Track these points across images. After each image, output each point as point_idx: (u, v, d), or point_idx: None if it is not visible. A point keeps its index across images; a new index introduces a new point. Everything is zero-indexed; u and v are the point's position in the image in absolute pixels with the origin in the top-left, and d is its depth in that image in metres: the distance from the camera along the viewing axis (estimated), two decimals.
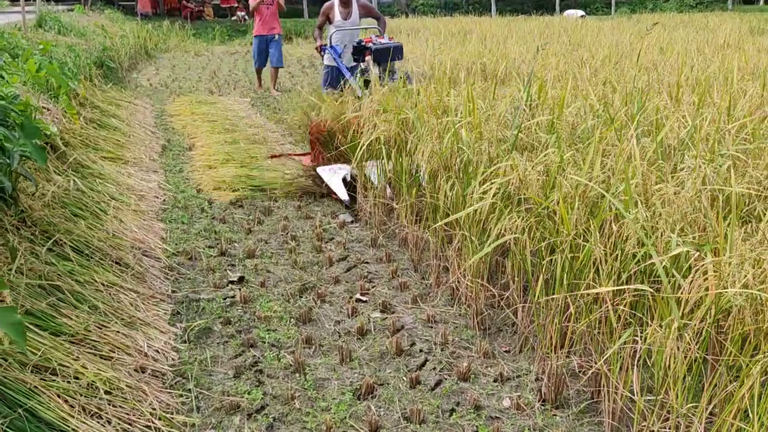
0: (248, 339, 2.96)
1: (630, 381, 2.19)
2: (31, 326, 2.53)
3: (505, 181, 2.94)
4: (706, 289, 2.00)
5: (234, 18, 23.54)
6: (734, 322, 2.06)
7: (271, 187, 5.11)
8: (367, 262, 3.85)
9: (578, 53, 7.62)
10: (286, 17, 13.90)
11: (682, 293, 2.04)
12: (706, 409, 2.03)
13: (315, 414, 2.47)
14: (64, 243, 3.27)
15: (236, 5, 24.61)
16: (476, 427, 2.40)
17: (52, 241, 3.21)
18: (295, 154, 5.67)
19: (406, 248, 3.93)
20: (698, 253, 2.12)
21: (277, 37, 9.59)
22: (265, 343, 2.97)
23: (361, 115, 4.38)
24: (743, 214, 2.67)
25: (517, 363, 2.80)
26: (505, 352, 2.90)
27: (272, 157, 5.65)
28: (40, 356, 2.39)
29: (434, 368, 2.77)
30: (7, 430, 2.05)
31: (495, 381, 2.68)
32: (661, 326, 2.07)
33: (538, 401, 2.53)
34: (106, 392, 2.39)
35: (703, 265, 2.02)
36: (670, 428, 2.07)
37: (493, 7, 24.41)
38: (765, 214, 2.36)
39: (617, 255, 2.41)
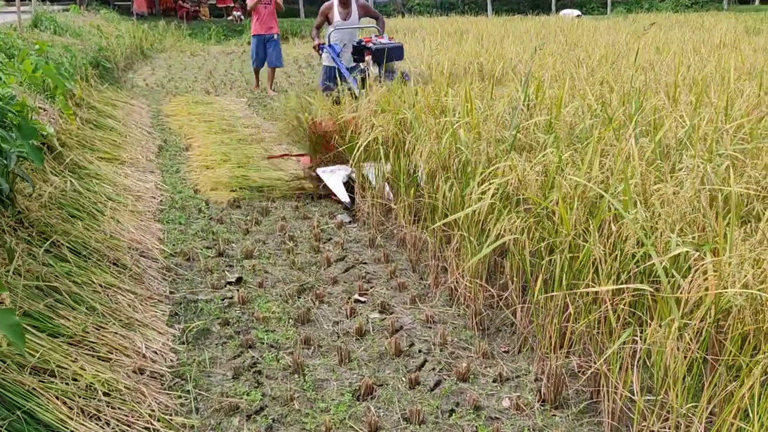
0: (247, 340, 2.95)
1: (630, 381, 2.19)
2: (29, 328, 2.53)
3: (504, 182, 2.93)
4: (706, 289, 2.00)
5: (230, 18, 23.50)
6: (734, 322, 2.06)
7: (269, 187, 5.10)
8: (365, 263, 3.85)
9: (575, 53, 7.61)
10: (282, 17, 13.87)
11: (681, 293, 2.05)
12: (706, 409, 2.03)
13: (314, 415, 2.47)
14: (62, 244, 3.26)
15: (232, 5, 24.57)
16: (476, 427, 2.40)
17: (49, 242, 3.20)
18: (292, 155, 5.66)
19: (404, 248, 3.93)
20: (698, 253, 2.12)
21: (275, 36, 9.59)
22: (263, 344, 2.96)
23: (359, 115, 4.37)
24: (742, 213, 2.67)
25: (517, 363, 2.80)
26: (505, 352, 2.90)
27: (270, 158, 5.65)
28: (38, 358, 2.39)
29: (433, 369, 2.77)
30: None
31: (494, 381, 2.68)
32: (660, 326, 2.07)
33: (538, 401, 2.53)
34: (105, 394, 2.38)
35: (702, 265, 2.02)
36: (670, 428, 2.07)
37: (489, 7, 24.41)
38: (764, 213, 2.36)
39: (616, 255, 2.41)
